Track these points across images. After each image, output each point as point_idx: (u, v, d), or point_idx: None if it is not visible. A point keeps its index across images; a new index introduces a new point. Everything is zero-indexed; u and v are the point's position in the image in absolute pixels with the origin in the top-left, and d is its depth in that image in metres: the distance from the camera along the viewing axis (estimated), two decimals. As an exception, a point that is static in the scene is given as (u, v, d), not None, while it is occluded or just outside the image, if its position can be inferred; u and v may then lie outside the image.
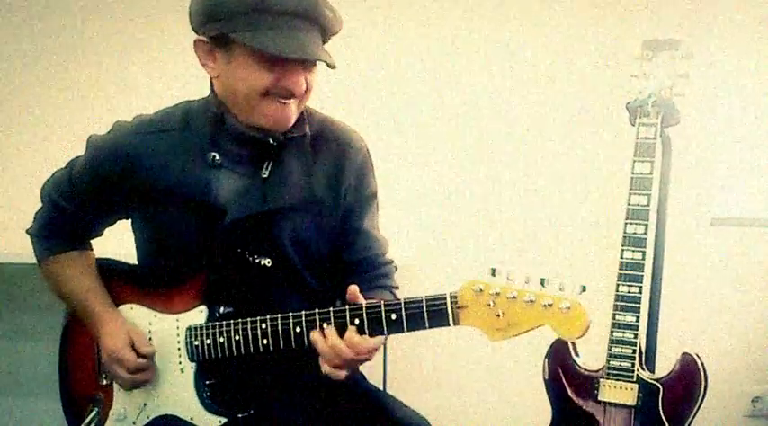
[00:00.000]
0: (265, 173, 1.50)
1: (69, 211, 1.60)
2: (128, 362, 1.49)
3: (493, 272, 1.28)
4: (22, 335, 2.58)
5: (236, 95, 1.43)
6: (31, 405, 2.57)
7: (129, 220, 1.62)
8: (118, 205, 1.57)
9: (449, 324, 1.31)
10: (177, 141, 1.50)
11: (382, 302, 1.35)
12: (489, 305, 1.27)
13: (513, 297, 1.26)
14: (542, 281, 1.25)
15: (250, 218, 1.49)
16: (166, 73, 2.31)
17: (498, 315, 1.27)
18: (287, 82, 1.40)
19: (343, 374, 1.37)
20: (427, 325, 1.33)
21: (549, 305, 1.24)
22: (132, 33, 2.46)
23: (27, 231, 1.66)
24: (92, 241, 1.70)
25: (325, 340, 1.36)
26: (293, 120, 1.47)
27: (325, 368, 1.37)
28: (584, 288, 1.24)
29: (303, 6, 1.36)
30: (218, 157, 1.49)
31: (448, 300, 1.30)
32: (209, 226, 1.49)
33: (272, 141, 1.48)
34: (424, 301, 1.32)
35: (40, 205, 1.66)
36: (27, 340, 2.57)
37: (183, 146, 1.50)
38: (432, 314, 1.31)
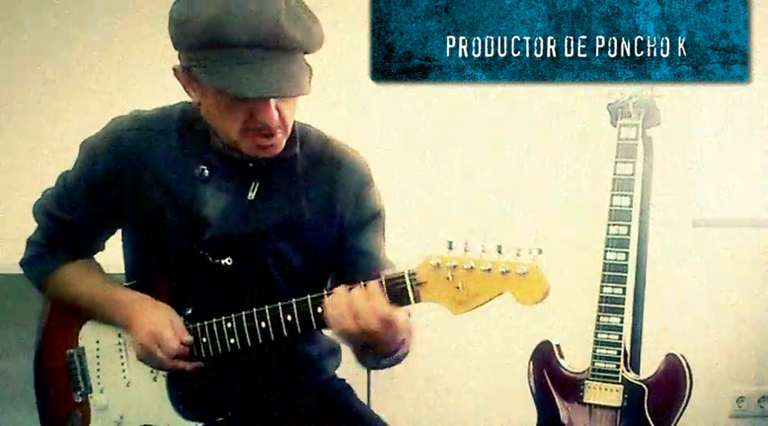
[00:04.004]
0: (251, 195, 1.46)
1: (68, 222, 1.54)
2: (169, 342, 1.41)
3: (450, 245, 1.25)
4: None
5: (216, 127, 1.39)
6: (9, 420, 2.52)
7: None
8: (114, 207, 1.51)
9: (410, 302, 1.28)
10: (173, 145, 1.46)
11: (342, 286, 1.32)
12: (448, 278, 1.24)
13: (471, 268, 1.23)
14: (499, 249, 1.23)
15: (231, 236, 1.47)
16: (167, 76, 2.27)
17: (458, 288, 1.24)
18: (260, 117, 1.32)
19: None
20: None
21: (507, 271, 1.21)
22: (131, 36, 2.44)
23: (23, 261, 1.60)
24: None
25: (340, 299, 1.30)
26: (280, 148, 1.41)
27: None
28: (540, 251, 1.21)
29: (262, 36, 1.25)
30: (206, 172, 1.45)
31: (407, 278, 1.27)
32: (192, 237, 1.46)
33: (251, 165, 1.44)
34: (384, 280, 1.29)
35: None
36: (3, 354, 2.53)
37: (177, 152, 1.46)
38: (392, 293, 1.28)
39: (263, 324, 1.38)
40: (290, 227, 1.49)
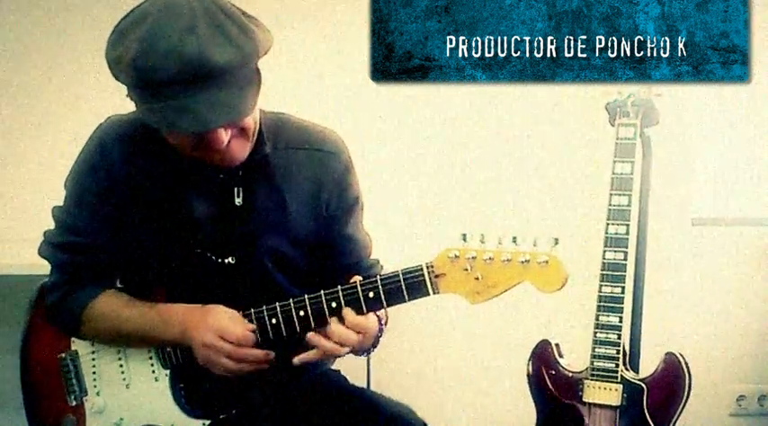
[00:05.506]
0: (239, 201, 1.46)
1: (84, 245, 1.49)
2: (233, 330, 1.39)
3: (464, 238, 1.29)
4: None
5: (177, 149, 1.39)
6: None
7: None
8: (119, 217, 1.48)
9: (428, 294, 1.31)
10: (155, 150, 1.44)
11: (358, 281, 1.35)
12: (467, 269, 1.28)
13: (490, 259, 1.27)
14: (515, 240, 1.27)
15: (225, 237, 1.47)
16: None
17: (477, 278, 1.28)
18: (207, 141, 1.31)
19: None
20: (407, 298, 1.33)
21: (527, 261, 1.25)
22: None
23: (47, 308, 1.54)
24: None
25: (329, 338, 1.36)
26: (244, 155, 1.39)
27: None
28: (556, 241, 1.26)
29: (185, 70, 1.21)
30: (190, 178, 1.45)
31: (425, 270, 1.30)
32: (184, 238, 1.47)
33: (222, 176, 1.44)
34: (401, 274, 1.32)
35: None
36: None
37: (159, 156, 1.45)
38: (410, 286, 1.31)
39: (274, 321, 1.39)
40: (280, 223, 1.49)
